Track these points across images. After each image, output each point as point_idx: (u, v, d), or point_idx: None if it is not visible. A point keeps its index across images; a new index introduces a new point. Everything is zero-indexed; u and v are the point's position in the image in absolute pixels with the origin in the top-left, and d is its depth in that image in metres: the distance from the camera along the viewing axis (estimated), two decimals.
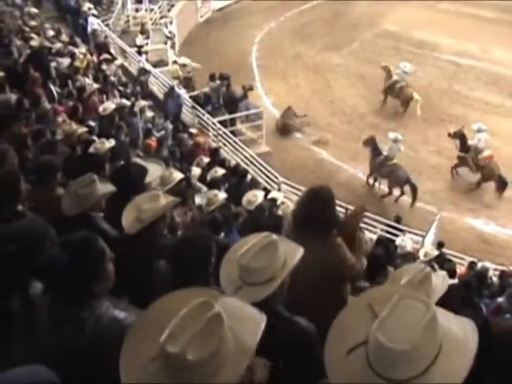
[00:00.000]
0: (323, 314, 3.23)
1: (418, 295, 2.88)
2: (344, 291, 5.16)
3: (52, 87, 15.58)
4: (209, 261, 4.63)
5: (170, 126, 18.67)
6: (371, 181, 21.05)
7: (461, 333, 2.81)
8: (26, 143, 10.13)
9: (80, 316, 3.62)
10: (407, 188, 19.81)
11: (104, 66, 20.54)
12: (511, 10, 33.82)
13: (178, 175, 10.09)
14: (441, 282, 5.04)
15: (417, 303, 2.76)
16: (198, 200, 11.49)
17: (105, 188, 6.36)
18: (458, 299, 8.67)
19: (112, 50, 25.25)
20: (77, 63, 18.34)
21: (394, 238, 15.94)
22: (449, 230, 18.35)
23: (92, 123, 13.60)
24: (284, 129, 23.58)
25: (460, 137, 20.86)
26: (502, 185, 20.09)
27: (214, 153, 17.03)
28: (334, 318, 3.01)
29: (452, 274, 12.27)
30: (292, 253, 4.02)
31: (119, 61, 22.36)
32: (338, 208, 5.30)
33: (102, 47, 24.06)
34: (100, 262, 3.78)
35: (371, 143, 20.73)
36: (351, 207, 5.74)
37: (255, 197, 11.76)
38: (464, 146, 20.70)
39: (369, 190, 20.88)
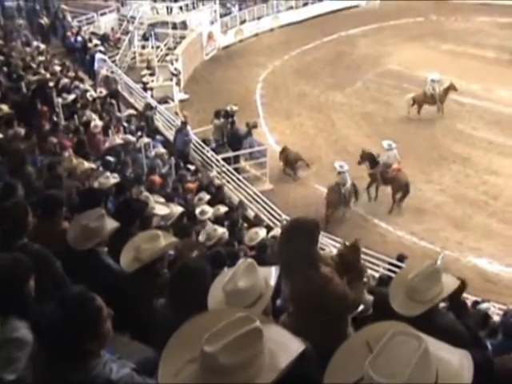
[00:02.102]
0: (321, 345, 3.31)
1: (412, 331, 2.90)
2: (342, 322, 5.14)
3: (57, 121, 15.67)
4: (207, 285, 4.61)
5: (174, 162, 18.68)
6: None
7: (456, 363, 2.85)
8: (24, 159, 10.30)
9: (74, 379, 3.55)
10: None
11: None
12: None
13: (178, 209, 10.21)
14: (451, 280, 5.17)
15: (409, 339, 2.79)
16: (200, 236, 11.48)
17: (111, 223, 6.38)
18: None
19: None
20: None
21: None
22: (452, 269, 18.20)
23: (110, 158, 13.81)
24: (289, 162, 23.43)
25: (368, 158, 21.35)
26: (407, 192, 20.88)
27: (217, 190, 17.04)
28: (332, 348, 3.05)
29: (461, 313, 12.11)
30: (268, 273, 4.32)
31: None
32: (333, 242, 5.33)
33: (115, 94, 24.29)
34: (96, 321, 3.69)
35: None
36: (347, 242, 5.75)
37: (257, 234, 11.84)
38: (373, 164, 21.28)
39: (372, 228, 20.76)
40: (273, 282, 4.24)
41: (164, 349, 2.97)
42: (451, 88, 27.17)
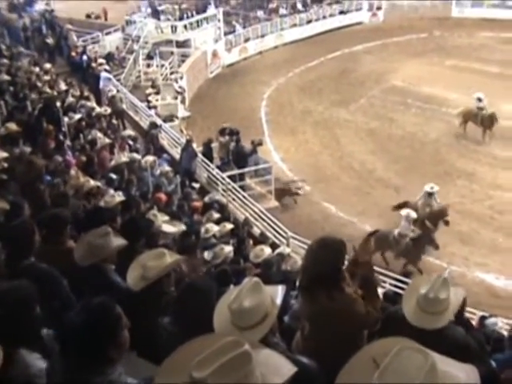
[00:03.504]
0: (338, 361, 3.23)
1: (418, 346, 2.90)
2: (359, 339, 5.11)
3: (63, 140, 15.74)
4: (213, 304, 4.62)
5: (179, 180, 18.71)
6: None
7: (463, 378, 2.85)
8: (41, 176, 10.39)
9: (92, 381, 3.62)
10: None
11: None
12: None
13: (180, 227, 10.31)
14: (458, 291, 5.27)
15: (416, 354, 2.80)
16: (205, 254, 11.54)
17: (118, 241, 6.42)
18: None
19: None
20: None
21: (403, 292, 15.75)
22: (459, 284, 18.13)
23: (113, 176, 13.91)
24: (280, 194, 23.17)
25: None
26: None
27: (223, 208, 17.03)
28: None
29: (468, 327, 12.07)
30: (275, 291, 4.30)
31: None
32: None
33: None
34: (116, 328, 3.79)
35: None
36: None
37: (262, 251, 11.89)
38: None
39: None
40: (279, 300, 4.23)
41: (156, 374, 2.99)
42: (494, 118, 26.59)
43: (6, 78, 18.99)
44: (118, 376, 3.71)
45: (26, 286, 4.54)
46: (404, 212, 19.20)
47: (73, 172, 12.90)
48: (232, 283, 8.90)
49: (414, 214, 18.89)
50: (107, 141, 17.06)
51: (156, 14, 38.21)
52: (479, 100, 26.78)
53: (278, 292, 4.34)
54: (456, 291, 5.19)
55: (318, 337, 4.97)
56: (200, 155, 21.42)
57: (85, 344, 3.64)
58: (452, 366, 2.93)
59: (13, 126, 13.79)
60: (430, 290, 4.80)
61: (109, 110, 21.78)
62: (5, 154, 10.88)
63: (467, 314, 15.16)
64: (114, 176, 14.26)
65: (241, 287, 4.15)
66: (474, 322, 14.68)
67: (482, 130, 26.77)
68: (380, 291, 15.22)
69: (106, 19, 41.32)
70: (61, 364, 3.80)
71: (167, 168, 18.05)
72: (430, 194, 19.75)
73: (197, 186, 19.13)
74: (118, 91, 26.21)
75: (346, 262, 5.26)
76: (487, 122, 26.52)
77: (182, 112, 27.76)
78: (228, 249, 11.24)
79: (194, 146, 21.37)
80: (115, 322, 3.79)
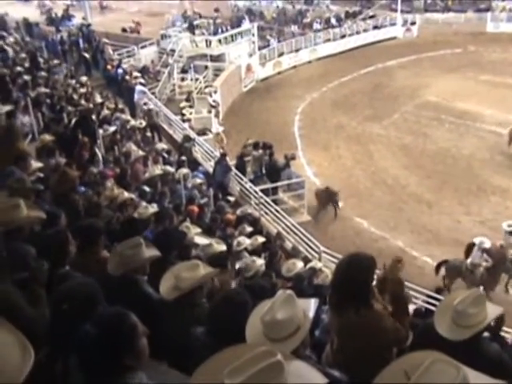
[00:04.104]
0: (367, 375, 3.29)
1: (450, 359, 2.90)
2: (389, 355, 5.09)
3: (98, 152, 15.92)
4: (247, 316, 4.63)
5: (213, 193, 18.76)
6: None
7: None
8: (75, 186, 10.54)
9: None
10: None
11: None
12: None
13: (221, 247, 10.40)
14: (494, 307, 5.17)
15: (448, 367, 2.81)
16: (237, 266, 11.58)
17: (150, 252, 6.41)
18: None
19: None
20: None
21: (435, 309, 15.64)
22: (495, 303, 17.90)
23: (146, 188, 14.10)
24: (325, 198, 23.12)
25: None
26: None
27: (255, 222, 17.02)
28: None
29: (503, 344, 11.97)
30: (308, 305, 4.32)
31: None
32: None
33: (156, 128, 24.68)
34: (131, 338, 3.78)
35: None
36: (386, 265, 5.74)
37: (294, 265, 11.88)
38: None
39: (411, 260, 20.55)
40: (311, 314, 4.24)
41: (189, 382, 3.03)
42: None
43: (44, 90, 19.22)
44: (139, 380, 3.74)
45: (92, 284, 4.73)
46: (477, 240, 18.93)
47: (109, 184, 13.02)
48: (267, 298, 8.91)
49: (487, 243, 18.57)
50: (141, 153, 17.18)
51: (192, 28, 38.55)
52: None
53: (311, 306, 4.36)
54: (493, 308, 5.16)
55: (347, 351, 5.00)
56: (233, 169, 21.47)
57: (101, 355, 3.66)
58: (484, 381, 2.93)
59: (47, 138, 13.98)
60: (460, 302, 4.79)
61: (144, 123, 21.96)
62: (39, 164, 10.98)
63: (503, 333, 15.06)
64: (147, 188, 14.30)
65: (274, 299, 4.17)
66: (509, 340, 14.57)
67: None
68: (411, 307, 15.21)
69: (138, 33, 41.75)
70: (79, 373, 3.85)
71: (199, 180, 18.11)
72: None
73: (232, 199, 19.15)
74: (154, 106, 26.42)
75: (375, 279, 5.29)
76: None
77: (215, 127, 27.86)
78: (260, 262, 11.12)
79: (228, 159, 21.42)
80: (131, 331, 3.80)
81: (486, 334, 5.51)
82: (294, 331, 4.04)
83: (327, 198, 22.60)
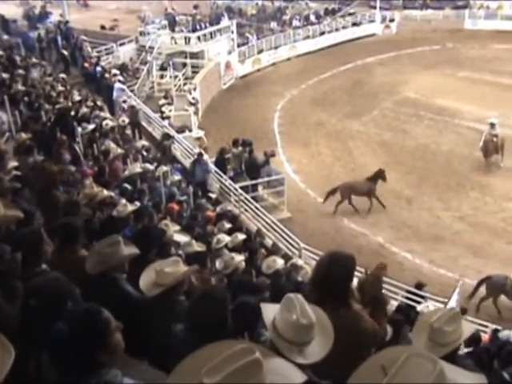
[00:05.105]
0: (345, 377, 3.25)
1: (426, 353, 2.93)
2: (368, 356, 5.04)
3: (77, 150, 15.79)
4: (227, 314, 4.68)
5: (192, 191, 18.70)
6: None
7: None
8: (56, 181, 10.46)
9: (86, 382, 3.63)
10: None
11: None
12: None
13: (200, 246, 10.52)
14: (468, 325, 5.25)
15: (425, 361, 2.80)
16: (216, 264, 11.45)
17: (129, 250, 6.36)
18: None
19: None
20: None
21: (415, 304, 15.68)
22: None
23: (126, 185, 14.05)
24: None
25: None
26: None
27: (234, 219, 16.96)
28: None
29: (477, 341, 11.96)
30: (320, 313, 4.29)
31: None
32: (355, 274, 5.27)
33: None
34: (104, 333, 3.75)
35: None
36: (369, 270, 5.75)
37: (274, 262, 11.80)
38: None
39: (390, 256, 20.60)
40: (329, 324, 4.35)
41: (167, 380, 3.02)
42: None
43: (21, 88, 19.06)
44: (114, 377, 3.69)
45: (62, 280, 4.65)
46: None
47: (87, 182, 12.89)
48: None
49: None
50: (119, 151, 17.05)
51: (174, 25, 38.48)
52: (492, 126, 25.95)
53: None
54: (468, 326, 5.21)
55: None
56: (213, 166, 21.40)
57: (73, 351, 3.65)
58: (460, 374, 2.97)
59: (23, 136, 13.86)
60: (436, 321, 4.84)
61: (126, 121, 21.84)
62: (15, 163, 10.87)
63: (479, 327, 15.12)
64: (127, 186, 14.19)
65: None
66: (486, 335, 14.64)
67: (500, 156, 26.05)
68: (394, 303, 15.23)
69: (114, 29, 41.56)
70: (52, 369, 3.82)
71: (177, 177, 18.03)
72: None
73: (213, 196, 19.08)
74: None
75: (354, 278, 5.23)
76: (502, 147, 25.92)
77: (195, 131, 27.67)
78: (239, 258, 11.03)
79: (206, 157, 21.36)
80: (103, 327, 3.76)
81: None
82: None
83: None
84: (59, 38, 33.88)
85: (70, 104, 19.83)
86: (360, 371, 3.05)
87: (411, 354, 2.83)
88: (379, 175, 23.19)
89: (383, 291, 5.92)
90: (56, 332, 3.77)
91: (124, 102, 25.58)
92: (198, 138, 25.99)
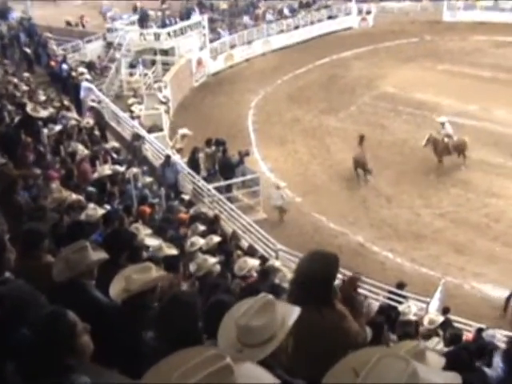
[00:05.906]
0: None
1: (399, 353, 2.91)
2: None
3: (42, 152, 15.29)
4: (197, 318, 4.77)
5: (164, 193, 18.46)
6: None
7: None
8: (16, 187, 10.15)
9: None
10: None
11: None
12: (509, 69, 34.33)
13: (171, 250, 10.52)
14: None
15: (397, 361, 2.77)
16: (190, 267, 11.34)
17: (97, 255, 6.24)
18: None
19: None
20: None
21: (397, 304, 15.40)
22: (455, 296, 17.82)
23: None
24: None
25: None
26: None
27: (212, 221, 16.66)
28: None
29: (458, 340, 12.02)
30: (289, 312, 4.02)
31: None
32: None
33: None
34: (69, 336, 3.80)
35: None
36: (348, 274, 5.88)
37: (245, 263, 11.96)
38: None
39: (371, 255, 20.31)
40: (291, 322, 3.93)
41: None
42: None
43: None
44: (82, 382, 3.71)
45: (22, 288, 4.80)
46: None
47: (54, 186, 12.48)
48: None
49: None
50: (86, 152, 16.58)
51: (145, 20, 38.02)
52: (442, 125, 25.56)
53: (293, 313, 4.02)
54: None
55: (304, 353, 4.60)
56: (185, 167, 21.03)
57: (39, 356, 3.70)
58: (435, 374, 2.99)
59: None
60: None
61: (91, 122, 21.26)
62: None
63: (462, 326, 14.84)
64: (92, 190, 13.93)
65: (252, 303, 3.88)
66: (470, 335, 14.44)
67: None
68: (376, 304, 15.06)
69: (83, 26, 40.80)
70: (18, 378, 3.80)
71: (148, 179, 17.75)
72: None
73: (186, 197, 18.73)
74: (99, 102, 25.69)
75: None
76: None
77: (181, 131, 27.01)
78: (212, 261, 11.05)
79: (176, 158, 20.95)
80: (69, 330, 3.81)
81: None
82: (267, 339, 3.80)
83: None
84: (22, 35, 33.22)
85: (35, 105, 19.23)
86: (331, 375, 2.96)
87: (383, 355, 2.79)
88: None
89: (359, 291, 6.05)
90: (20, 338, 3.86)
91: (93, 101, 24.99)
92: (183, 136, 25.41)
